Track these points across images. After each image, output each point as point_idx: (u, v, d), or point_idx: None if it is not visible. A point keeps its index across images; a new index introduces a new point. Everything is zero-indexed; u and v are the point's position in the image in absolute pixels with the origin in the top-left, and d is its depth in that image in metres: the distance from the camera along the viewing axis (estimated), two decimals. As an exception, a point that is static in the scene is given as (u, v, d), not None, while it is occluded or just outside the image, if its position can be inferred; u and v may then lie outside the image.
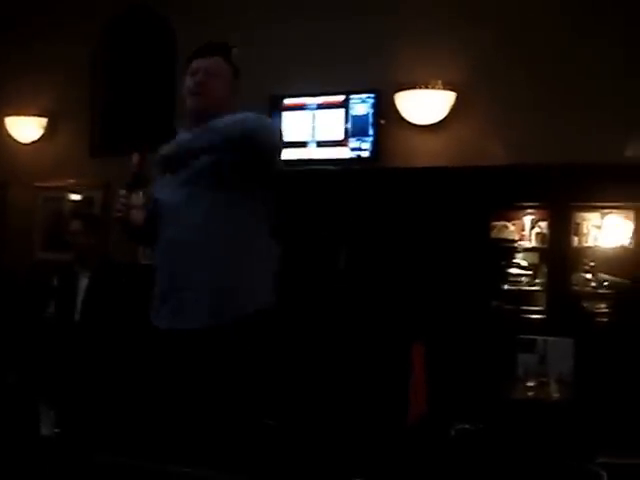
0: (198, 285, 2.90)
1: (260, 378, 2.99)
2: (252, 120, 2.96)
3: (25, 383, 4.95)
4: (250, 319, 2.92)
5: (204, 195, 2.94)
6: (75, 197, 7.00)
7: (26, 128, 7.13)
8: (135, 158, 3.03)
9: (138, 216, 3.00)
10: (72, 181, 6.95)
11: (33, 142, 7.18)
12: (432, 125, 5.85)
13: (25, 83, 7.13)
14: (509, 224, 5.87)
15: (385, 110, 5.91)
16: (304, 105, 6.15)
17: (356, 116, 5.98)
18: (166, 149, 3.03)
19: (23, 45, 7.18)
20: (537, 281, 5.78)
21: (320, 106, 6.11)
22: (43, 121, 7.10)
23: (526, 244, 5.86)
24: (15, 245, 7.07)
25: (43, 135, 7.15)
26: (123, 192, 3.00)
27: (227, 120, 2.93)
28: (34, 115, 7.08)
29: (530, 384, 4.94)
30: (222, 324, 2.89)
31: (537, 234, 5.79)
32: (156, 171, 3.14)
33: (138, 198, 2.98)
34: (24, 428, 4.69)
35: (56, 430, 4.76)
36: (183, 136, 3.04)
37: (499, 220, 5.83)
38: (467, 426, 4.51)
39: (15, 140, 7.20)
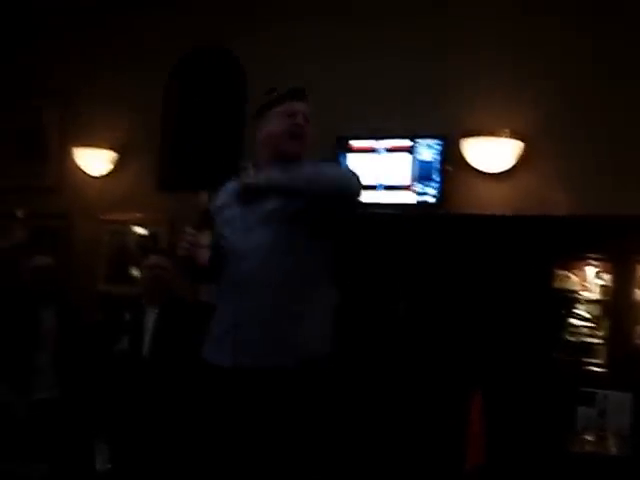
0: (258, 326, 2.92)
1: (316, 426, 2.98)
2: (342, 172, 2.99)
3: (84, 419, 5.02)
4: (305, 366, 2.92)
5: (280, 238, 2.95)
6: (140, 231, 7.10)
7: (95, 161, 7.27)
8: (203, 196, 3.05)
9: (204, 255, 2.99)
10: (138, 215, 7.06)
11: (102, 175, 7.31)
12: (498, 173, 5.86)
13: (97, 116, 7.33)
14: (571, 274, 5.82)
15: (451, 156, 5.94)
16: (370, 148, 6.19)
17: (422, 161, 6.01)
18: (252, 179, 3.03)
19: (98, 78, 7.37)
20: (598, 333, 5.69)
21: (386, 149, 6.14)
22: (112, 155, 7.23)
23: (588, 295, 5.80)
24: (78, 277, 7.17)
25: (112, 169, 7.28)
26: (191, 230, 3.00)
27: (318, 168, 2.97)
28: (104, 148, 7.21)
29: (589, 438, 4.89)
30: (276, 367, 2.90)
31: (600, 286, 5.72)
32: (224, 200, 3.13)
33: (205, 237, 2.98)
34: (80, 462, 4.76)
35: (109, 465, 4.82)
36: (274, 173, 3.01)
37: (562, 270, 5.79)
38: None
39: (83, 172, 7.34)
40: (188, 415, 3.22)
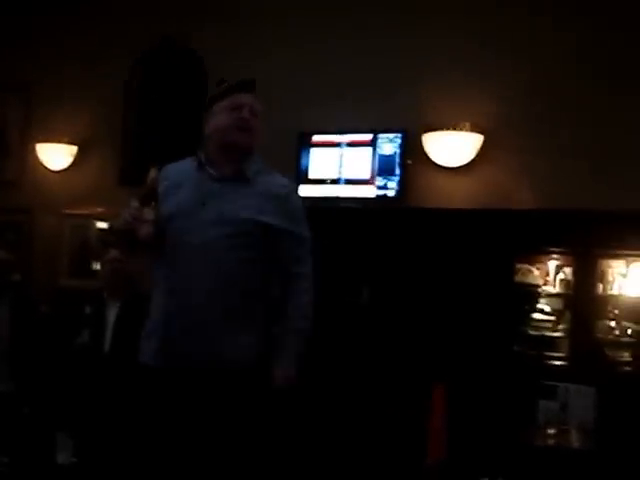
0: (186, 328, 2.91)
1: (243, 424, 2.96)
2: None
3: (43, 412, 4.97)
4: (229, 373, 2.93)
5: (227, 245, 2.93)
6: (102, 225, 7.03)
7: (56, 155, 7.21)
8: (153, 173, 3.00)
9: (145, 230, 2.92)
10: (99, 209, 6.99)
11: (63, 169, 7.25)
12: (459, 167, 5.86)
13: (57, 111, 7.25)
14: (533, 268, 5.82)
15: (412, 150, 5.93)
16: (332, 143, 6.18)
17: (383, 155, 6.00)
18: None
19: (57, 73, 7.29)
20: (560, 327, 5.72)
21: (348, 144, 6.13)
22: (73, 149, 7.18)
23: (550, 289, 5.81)
24: (40, 271, 7.12)
25: (73, 163, 7.22)
26: (136, 204, 2.93)
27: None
28: (65, 143, 7.16)
29: (551, 431, 4.89)
30: (214, 369, 2.91)
31: (561, 280, 5.74)
32: (174, 178, 3.09)
33: (149, 213, 2.92)
34: (41, 456, 4.70)
35: (73, 459, 4.77)
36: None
37: (523, 264, 5.79)
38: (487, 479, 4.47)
39: (45, 167, 7.28)
40: (132, 412, 3.20)
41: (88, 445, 4.89)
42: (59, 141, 7.15)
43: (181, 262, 2.95)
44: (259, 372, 2.95)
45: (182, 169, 3.12)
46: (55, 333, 5.32)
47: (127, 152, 7.05)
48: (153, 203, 2.94)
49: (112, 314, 5.15)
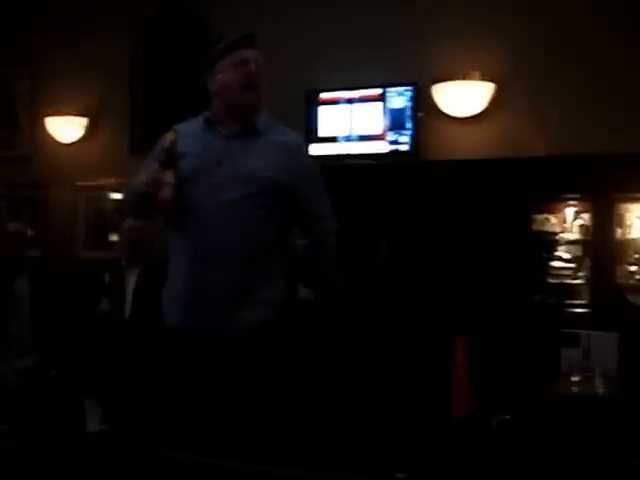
0: (214, 290, 2.90)
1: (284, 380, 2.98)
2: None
3: (71, 379, 5.00)
4: (255, 333, 2.92)
5: (245, 205, 2.90)
6: (116, 196, 7.03)
7: (67, 128, 7.19)
8: (170, 136, 2.95)
9: (167, 194, 2.88)
10: (113, 180, 6.96)
11: (74, 142, 7.23)
12: (471, 117, 5.78)
13: (65, 83, 7.22)
14: (551, 216, 5.78)
15: (423, 103, 5.86)
16: (340, 99, 6.10)
17: (393, 109, 5.93)
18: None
19: (63, 46, 7.25)
20: (580, 274, 5.68)
21: (357, 100, 6.06)
22: (84, 121, 7.15)
23: (568, 236, 5.76)
24: (57, 244, 7.14)
25: (84, 135, 7.20)
26: (156, 167, 2.89)
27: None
28: (75, 115, 7.13)
29: (574, 379, 4.87)
30: (239, 328, 2.90)
31: (579, 226, 5.69)
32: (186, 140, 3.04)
33: (170, 176, 2.87)
34: (70, 423, 4.73)
35: (102, 426, 4.80)
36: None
37: (540, 212, 5.74)
38: (508, 417, 4.46)
39: (56, 140, 7.26)
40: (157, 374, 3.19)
41: (116, 411, 4.92)
42: (68, 113, 7.11)
43: (198, 224, 2.92)
44: (279, 331, 2.97)
45: (189, 131, 3.07)
46: (75, 304, 5.33)
47: (137, 121, 7.00)
48: (173, 167, 2.89)
49: (131, 281, 5.20)
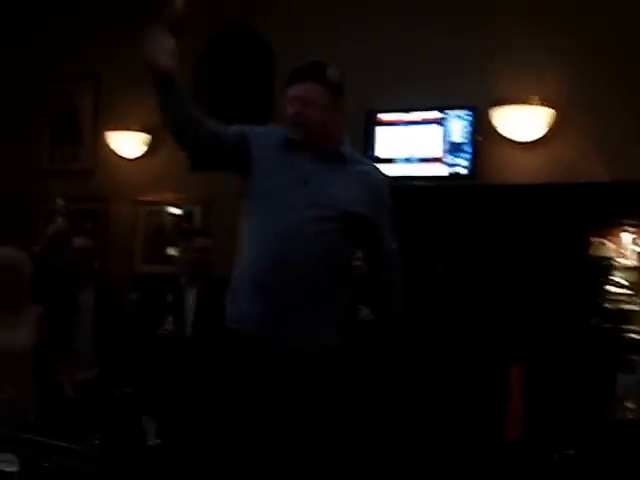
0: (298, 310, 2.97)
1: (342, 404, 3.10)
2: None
3: (134, 398, 5.09)
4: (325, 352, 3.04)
5: (325, 228, 2.99)
6: (175, 211, 7.15)
7: (129, 143, 7.31)
8: (179, 2, 2.88)
9: (166, 60, 2.83)
10: (172, 195, 7.12)
11: (136, 157, 7.35)
12: (530, 142, 5.81)
13: (129, 99, 7.31)
14: (607, 241, 5.76)
15: (482, 126, 5.89)
16: (400, 121, 6.16)
17: (452, 132, 5.98)
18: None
19: (127, 61, 7.32)
20: (637, 300, 5.66)
21: (416, 122, 6.11)
22: (145, 137, 7.26)
23: (625, 262, 5.74)
24: (116, 257, 7.24)
25: (146, 150, 7.31)
26: (155, 31, 2.83)
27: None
28: (137, 130, 7.24)
29: (630, 405, 4.86)
30: (313, 348, 3.00)
31: (637, 252, 5.67)
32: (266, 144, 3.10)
33: (169, 42, 2.82)
34: (131, 438, 4.83)
35: (157, 441, 4.90)
36: None
37: (598, 237, 5.73)
38: (571, 452, 4.46)
39: (117, 155, 7.38)
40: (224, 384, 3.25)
41: (171, 427, 5.00)
42: (131, 129, 7.24)
43: (271, 241, 2.98)
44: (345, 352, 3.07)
45: (268, 142, 3.13)
46: (140, 321, 5.39)
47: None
48: (174, 35, 2.84)
49: (190, 299, 5.22)
